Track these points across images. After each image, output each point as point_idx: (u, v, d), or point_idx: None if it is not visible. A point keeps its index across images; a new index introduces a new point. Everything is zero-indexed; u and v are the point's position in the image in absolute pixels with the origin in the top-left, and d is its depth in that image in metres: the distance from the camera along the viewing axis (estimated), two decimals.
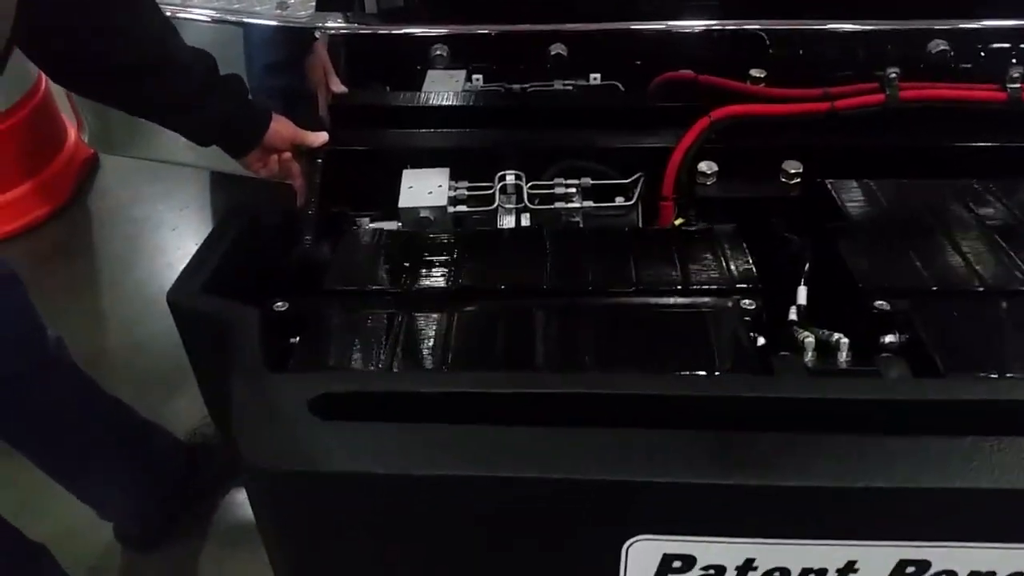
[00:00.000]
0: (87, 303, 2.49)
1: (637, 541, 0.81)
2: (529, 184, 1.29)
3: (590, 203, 1.29)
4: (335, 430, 0.81)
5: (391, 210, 1.27)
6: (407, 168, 1.31)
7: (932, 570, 0.81)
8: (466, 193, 1.29)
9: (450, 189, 1.28)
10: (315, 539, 0.86)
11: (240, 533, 1.76)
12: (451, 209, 1.27)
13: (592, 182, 1.31)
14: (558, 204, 1.29)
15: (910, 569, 0.81)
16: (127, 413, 1.61)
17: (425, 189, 1.29)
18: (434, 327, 1.01)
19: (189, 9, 1.46)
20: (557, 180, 1.31)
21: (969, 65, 1.40)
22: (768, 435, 0.79)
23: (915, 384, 0.91)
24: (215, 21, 1.46)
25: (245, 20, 1.44)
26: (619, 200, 1.31)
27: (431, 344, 0.98)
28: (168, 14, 1.39)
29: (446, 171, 1.31)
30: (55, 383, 1.40)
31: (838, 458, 0.77)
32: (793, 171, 1.26)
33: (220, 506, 1.83)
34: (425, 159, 1.33)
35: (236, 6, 1.45)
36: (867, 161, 1.29)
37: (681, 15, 1.42)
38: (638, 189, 1.31)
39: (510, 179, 1.29)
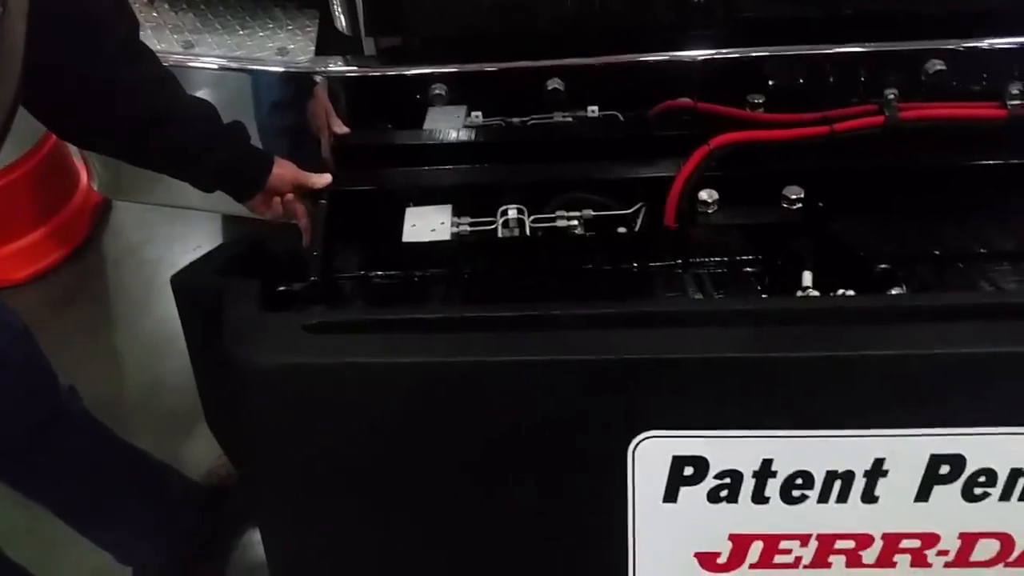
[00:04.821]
0: (103, 345, 2.51)
1: (645, 439, 0.75)
2: (531, 217, 1.30)
3: (592, 234, 1.30)
4: (330, 340, 0.79)
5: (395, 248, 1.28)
6: (410, 206, 1.33)
7: (968, 469, 0.74)
8: (468, 229, 1.30)
9: (453, 225, 1.29)
10: (311, 440, 0.83)
11: (258, 574, 1.76)
12: None
13: (594, 213, 1.31)
14: None
15: (944, 468, 0.74)
16: (141, 458, 1.62)
17: (428, 227, 1.29)
18: (435, 290, 1.04)
19: (194, 58, 1.49)
20: (559, 213, 1.31)
21: (973, 85, 1.40)
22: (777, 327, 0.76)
23: (920, 295, 0.91)
24: (220, 69, 1.49)
25: (247, 67, 1.46)
26: (621, 231, 1.31)
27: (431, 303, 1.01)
28: (173, 63, 1.45)
29: (448, 208, 1.32)
30: (67, 433, 1.41)
31: (855, 335, 0.73)
32: (794, 196, 1.25)
33: (237, 547, 1.83)
34: (427, 196, 1.34)
35: (238, 53, 1.47)
36: (868, 183, 1.29)
37: (678, 46, 1.43)
38: (640, 219, 1.31)
39: (512, 213, 1.30)
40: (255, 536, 1.81)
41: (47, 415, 1.37)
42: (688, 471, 0.77)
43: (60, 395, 1.40)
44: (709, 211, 1.28)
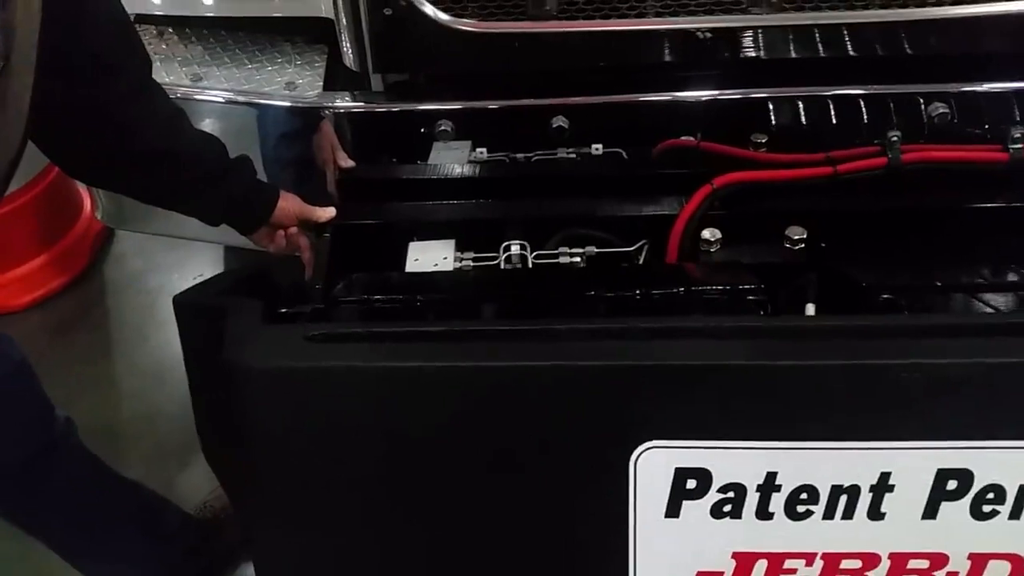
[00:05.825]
0: (101, 373, 2.50)
1: (647, 450, 0.73)
2: (534, 254, 1.30)
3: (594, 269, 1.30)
4: (331, 347, 0.79)
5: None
6: (413, 240, 1.33)
7: (976, 485, 0.72)
8: (471, 264, 1.30)
9: (455, 260, 1.29)
10: (311, 446, 0.82)
11: None
12: None
13: (596, 250, 1.32)
14: None
15: (951, 484, 0.72)
16: (135, 490, 1.60)
17: (431, 261, 1.30)
18: (437, 314, 1.03)
19: (202, 91, 1.50)
20: (561, 249, 1.31)
21: (975, 129, 1.41)
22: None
23: (926, 315, 0.92)
24: (228, 102, 1.50)
25: (255, 101, 1.47)
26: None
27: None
28: (181, 95, 1.46)
29: (451, 243, 1.32)
30: (61, 465, 1.39)
31: (861, 346, 0.71)
32: (797, 237, 1.26)
33: None
34: (431, 231, 1.34)
35: (246, 87, 1.48)
36: (871, 224, 1.30)
37: (682, 86, 1.44)
38: (642, 257, 1.31)
39: (515, 249, 1.30)
40: (248, 570, 1.79)
41: (41, 447, 1.35)
42: (691, 484, 0.75)
43: (56, 427, 1.39)
44: (712, 250, 1.29)
